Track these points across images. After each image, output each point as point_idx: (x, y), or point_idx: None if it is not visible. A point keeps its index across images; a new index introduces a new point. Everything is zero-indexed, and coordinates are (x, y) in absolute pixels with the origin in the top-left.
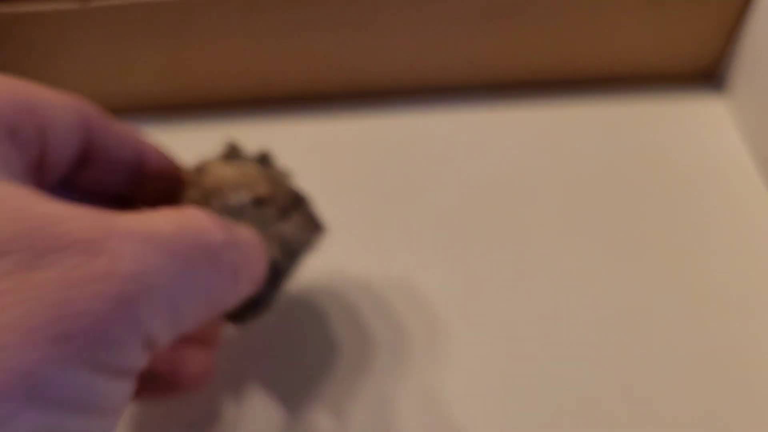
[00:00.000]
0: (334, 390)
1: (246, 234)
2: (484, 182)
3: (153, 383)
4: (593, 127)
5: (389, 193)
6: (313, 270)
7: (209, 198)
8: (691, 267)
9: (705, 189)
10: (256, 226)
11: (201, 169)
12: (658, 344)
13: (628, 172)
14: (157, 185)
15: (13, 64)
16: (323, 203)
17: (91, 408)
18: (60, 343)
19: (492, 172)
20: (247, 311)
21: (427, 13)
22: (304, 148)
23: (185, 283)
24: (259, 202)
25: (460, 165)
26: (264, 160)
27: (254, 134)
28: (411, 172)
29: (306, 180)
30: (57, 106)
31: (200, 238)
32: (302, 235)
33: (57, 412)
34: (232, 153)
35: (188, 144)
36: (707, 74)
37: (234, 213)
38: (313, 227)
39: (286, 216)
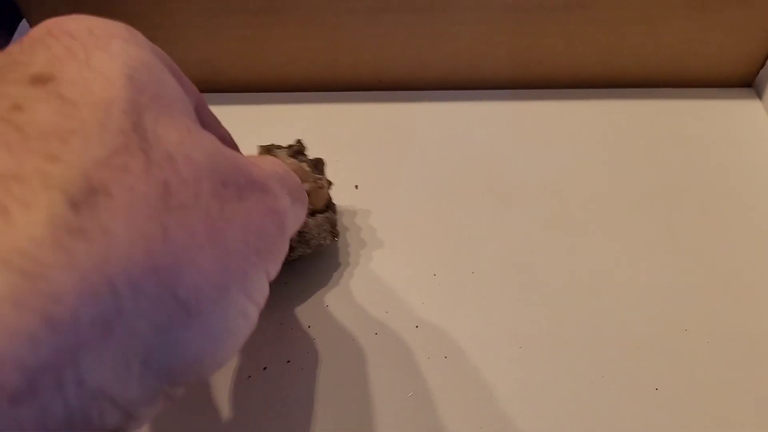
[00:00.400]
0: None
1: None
2: (540, 170)
3: None
4: (634, 128)
5: (449, 177)
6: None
7: None
8: (725, 265)
9: (742, 190)
10: None
11: (269, 151)
12: (693, 331)
13: (670, 168)
14: None
15: None
16: (387, 184)
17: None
18: (256, 255)
19: (548, 161)
20: None
21: (491, 8)
22: (367, 132)
23: (295, 214)
24: None
25: (516, 154)
26: (317, 164)
27: (323, 116)
28: (470, 159)
29: (369, 161)
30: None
31: (295, 179)
32: (320, 234)
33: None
34: (298, 149)
35: (255, 122)
36: (748, 81)
37: None
38: (330, 232)
39: (313, 214)
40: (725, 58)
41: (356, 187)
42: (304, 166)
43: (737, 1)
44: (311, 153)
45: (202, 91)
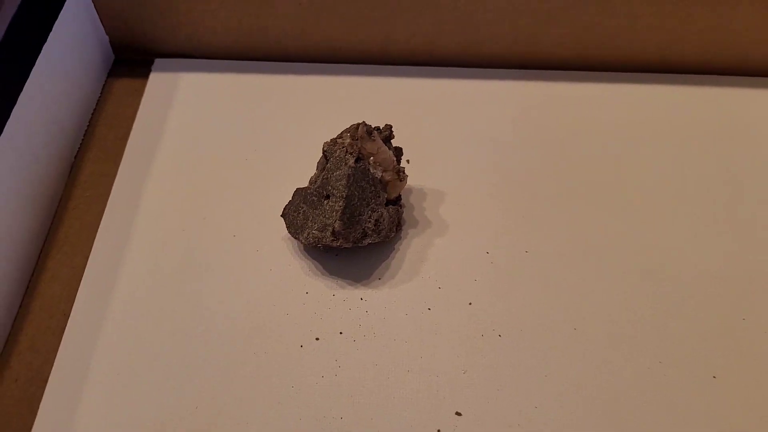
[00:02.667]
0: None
1: None
2: (600, 153)
3: None
4: (701, 111)
5: (505, 156)
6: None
7: (358, 154)
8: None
9: None
10: (367, 195)
11: (370, 133)
12: (755, 306)
13: (731, 156)
14: None
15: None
16: (441, 157)
17: None
18: None
19: (608, 145)
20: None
21: None
22: (421, 105)
23: None
24: (384, 186)
25: (577, 136)
26: (398, 153)
27: (377, 88)
28: (527, 139)
29: (422, 135)
30: None
31: None
32: (391, 225)
33: None
34: (387, 136)
35: (321, 91)
36: None
37: (364, 177)
38: (396, 225)
39: (387, 205)
40: None
41: (408, 161)
42: (391, 154)
43: None
44: (374, 121)
45: (254, 59)
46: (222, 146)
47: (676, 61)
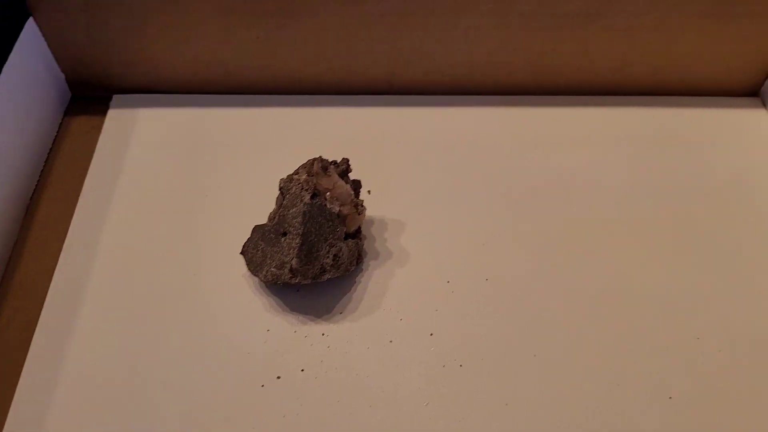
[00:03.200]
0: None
1: None
2: (554, 176)
3: None
4: (646, 134)
5: (463, 183)
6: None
7: (314, 190)
8: (736, 265)
9: (749, 199)
10: (324, 230)
11: (325, 168)
12: (703, 336)
13: (680, 175)
14: None
15: (118, 34)
16: (401, 189)
17: None
18: None
19: (560, 168)
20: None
21: (509, 14)
22: (383, 135)
23: None
24: (342, 220)
25: (530, 160)
26: (356, 186)
27: (338, 119)
28: (483, 165)
29: (386, 164)
30: None
31: None
32: (350, 259)
33: None
34: (345, 170)
35: (279, 124)
36: (755, 90)
37: (320, 212)
38: (357, 258)
39: (346, 238)
40: (733, 67)
41: (369, 192)
42: (348, 188)
43: (747, 12)
44: (330, 154)
45: (213, 92)
46: (181, 183)
47: (625, 83)
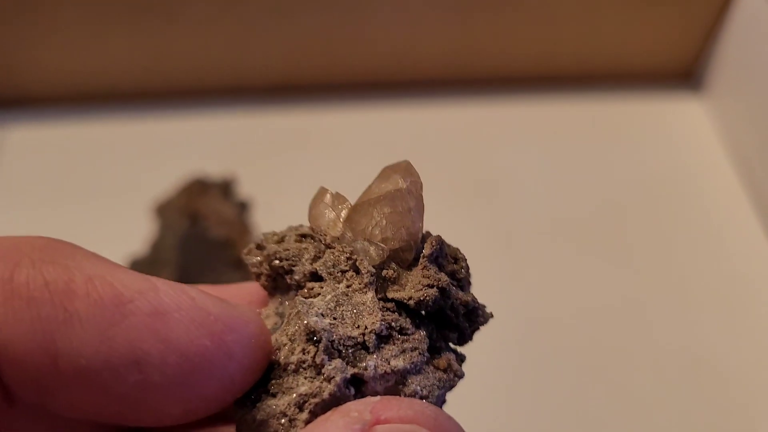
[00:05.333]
0: None
1: None
2: (463, 177)
3: None
4: (573, 124)
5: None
6: None
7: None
8: (668, 260)
9: (682, 185)
10: (208, 260)
11: (206, 188)
12: (640, 330)
13: (607, 168)
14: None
15: None
16: (307, 197)
17: None
18: None
19: (472, 167)
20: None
21: (417, 2)
22: (282, 141)
23: None
24: (228, 246)
25: (441, 159)
26: (244, 206)
27: (229, 127)
28: (371, 171)
29: (285, 174)
30: None
31: None
32: None
33: None
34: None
35: (163, 136)
36: (685, 74)
37: (201, 240)
38: None
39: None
40: (661, 52)
41: (267, 209)
42: (228, 208)
43: None
44: (216, 169)
45: (91, 103)
46: (57, 209)
47: (548, 72)
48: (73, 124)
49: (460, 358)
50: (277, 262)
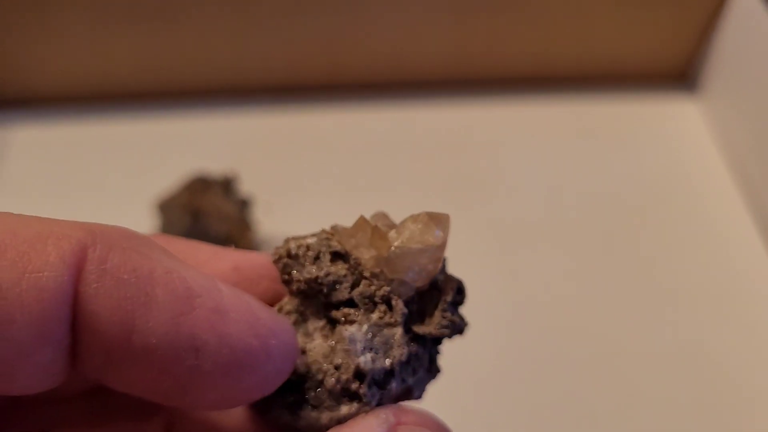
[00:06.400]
0: None
1: None
2: (461, 176)
3: None
4: (569, 125)
5: (368, 186)
6: None
7: (195, 210)
8: (663, 261)
9: (677, 185)
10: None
11: (208, 186)
12: (635, 329)
13: (602, 169)
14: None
15: None
16: (306, 195)
17: None
18: None
19: (469, 167)
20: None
21: (413, 2)
22: (282, 141)
23: None
24: (229, 242)
25: (439, 159)
26: (245, 203)
27: (231, 126)
28: (387, 165)
29: (285, 172)
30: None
31: None
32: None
33: None
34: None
35: (166, 135)
36: (680, 76)
37: (203, 236)
38: None
39: None
40: (656, 53)
41: (267, 207)
42: (234, 206)
43: None
44: (217, 167)
45: (95, 103)
46: (61, 207)
47: (544, 73)
48: (77, 123)
49: (438, 354)
50: (315, 285)
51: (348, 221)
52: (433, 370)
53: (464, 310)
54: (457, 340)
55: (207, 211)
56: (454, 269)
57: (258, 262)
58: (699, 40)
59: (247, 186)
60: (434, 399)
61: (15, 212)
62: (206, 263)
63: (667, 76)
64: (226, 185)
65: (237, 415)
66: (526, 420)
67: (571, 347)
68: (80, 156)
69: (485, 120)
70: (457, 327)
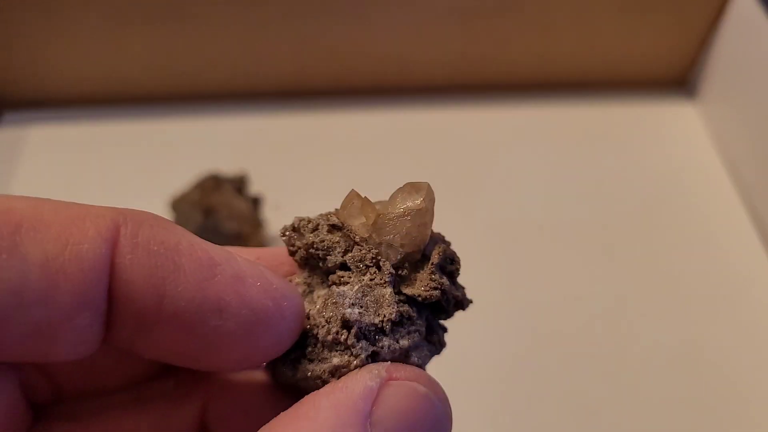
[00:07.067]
0: None
1: None
2: (464, 178)
3: None
4: (572, 129)
5: (375, 188)
6: None
7: (207, 208)
8: (663, 263)
9: (676, 187)
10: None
11: (218, 184)
12: (634, 330)
13: (604, 171)
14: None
15: (2, 47)
16: (314, 195)
17: None
18: None
19: (472, 169)
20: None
21: (418, 8)
22: (291, 142)
23: None
24: (240, 240)
25: (442, 161)
26: (256, 202)
27: (241, 127)
28: (392, 166)
29: (293, 173)
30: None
31: None
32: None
33: None
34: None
35: (178, 135)
36: (679, 81)
37: (213, 233)
38: None
39: None
40: (657, 59)
41: (276, 206)
42: (245, 204)
43: (666, 4)
44: (229, 167)
45: (110, 103)
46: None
47: (546, 78)
48: (92, 123)
49: (444, 331)
50: (313, 250)
51: None
52: (434, 342)
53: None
54: (459, 339)
55: (218, 208)
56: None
57: (277, 252)
58: (698, 47)
59: (257, 185)
60: None
61: None
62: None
63: (667, 81)
64: (237, 184)
65: (265, 396)
66: (527, 418)
67: (570, 348)
68: (94, 155)
69: (489, 123)
70: (452, 296)
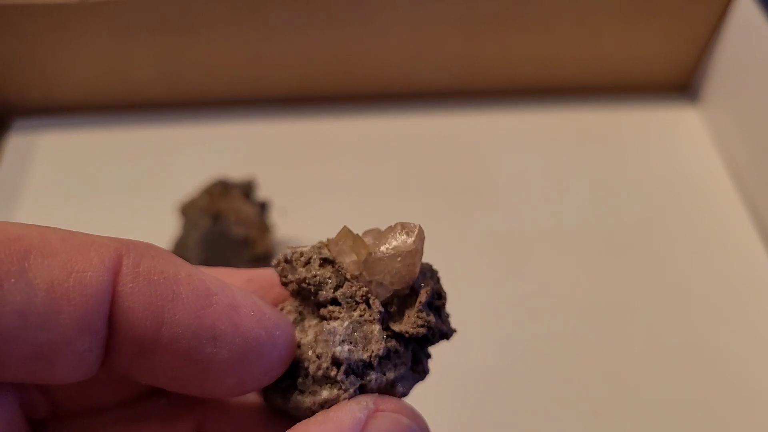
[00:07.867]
0: None
1: None
2: (467, 182)
3: None
4: (575, 134)
5: (380, 193)
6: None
7: (215, 213)
8: (666, 266)
9: (680, 193)
10: (227, 256)
11: (228, 190)
12: (638, 335)
13: (607, 176)
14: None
15: (14, 56)
16: (317, 203)
17: None
18: None
19: (475, 173)
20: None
21: (421, 16)
22: (297, 148)
23: None
24: (247, 244)
25: (447, 166)
26: (264, 207)
27: (248, 133)
28: (397, 172)
29: (300, 178)
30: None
31: None
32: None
33: None
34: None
35: (186, 142)
36: (682, 86)
37: (221, 237)
38: None
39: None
40: (659, 64)
41: (284, 211)
42: (253, 209)
43: (668, 9)
44: (237, 172)
45: (119, 110)
46: (86, 210)
47: (548, 84)
48: (102, 130)
49: (428, 357)
50: (305, 285)
51: (358, 225)
52: (419, 371)
53: (467, 314)
54: (461, 346)
55: (226, 214)
56: (463, 272)
57: (268, 274)
58: (701, 52)
59: (264, 190)
60: (437, 401)
61: (42, 216)
62: (224, 277)
63: (670, 86)
64: (245, 190)
65: (259, 416)
66: (528, 423)
67: (572, 352)
68: (104, 161)
69: (493, 128)
70: (438, 330)
